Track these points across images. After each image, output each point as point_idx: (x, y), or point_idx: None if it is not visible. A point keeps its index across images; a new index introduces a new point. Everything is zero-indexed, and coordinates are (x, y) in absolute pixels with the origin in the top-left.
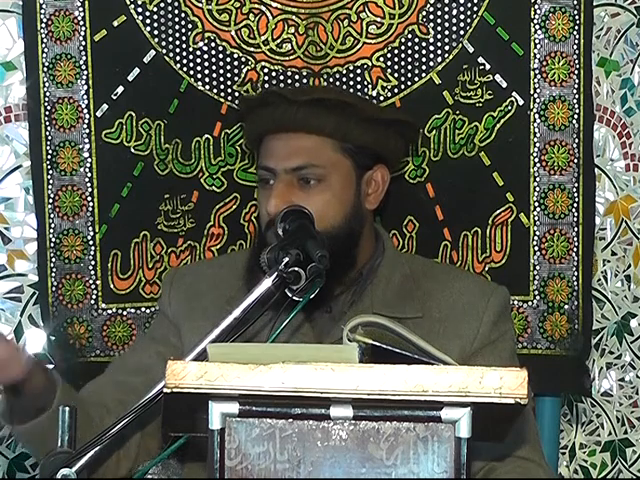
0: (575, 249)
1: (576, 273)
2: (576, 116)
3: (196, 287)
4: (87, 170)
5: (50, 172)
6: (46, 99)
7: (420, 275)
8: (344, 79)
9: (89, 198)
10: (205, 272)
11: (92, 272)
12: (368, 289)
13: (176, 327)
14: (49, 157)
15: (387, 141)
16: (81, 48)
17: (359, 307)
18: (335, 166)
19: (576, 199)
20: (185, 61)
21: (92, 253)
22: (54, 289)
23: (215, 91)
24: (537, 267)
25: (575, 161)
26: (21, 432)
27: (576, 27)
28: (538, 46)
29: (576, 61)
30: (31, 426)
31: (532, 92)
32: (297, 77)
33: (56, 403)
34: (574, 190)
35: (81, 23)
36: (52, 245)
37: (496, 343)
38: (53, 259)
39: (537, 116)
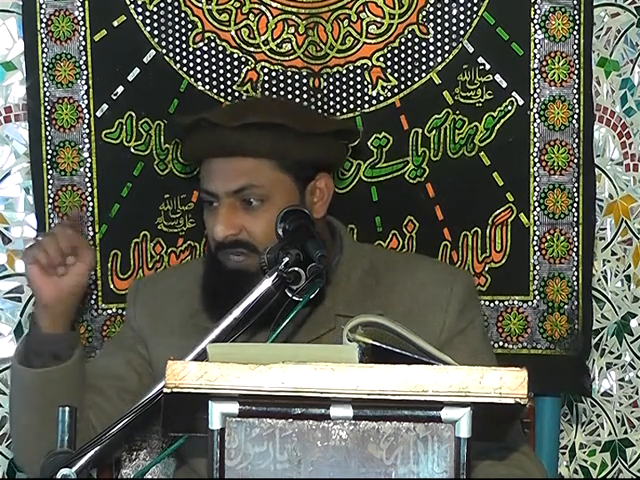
0: (575, 249)
1: (576, 273)
2: (576, 116)
3: (159, 301)
4: (87, 170)
5: (50, 172)
6: (46, 99)
7: (381, 268)
8: (344, 79)
9: (89, 198)
10: (168, 283)
11: (92, 272)
12: (328, 290)
13: (142, 340)
14: (49, 157)
15: (326, 150)
16: (81, 48)
17: (321, 309)
18: (276, 184)
19: (576, 199)
20: (185, 61)
21: None
22: None
23: (215, 91)
24: (537, 267)
25: (575, 161)
26: (33, 377)
27: (576, 27)
28: (538, 46)
29: (576, 61)
30: (49, 372)
31: (532, 92)
32: (297, 77)
33: (76, 356)
34: (574, 190)
35: (81, 23)
36: None
37: (466, 331)
38: None
39: (537, 116)
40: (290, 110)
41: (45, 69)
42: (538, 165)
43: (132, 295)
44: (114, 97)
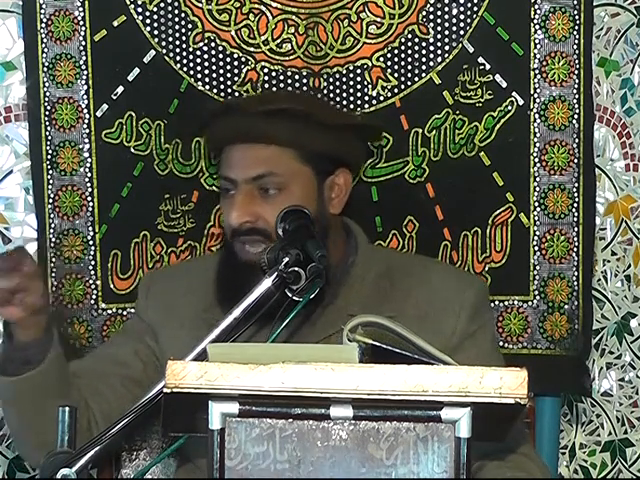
0: (575, 249)
1: (576, 273)
2: (576, 116)
3: (172, 294)
4: (87, 170)
5: (50, 172)
6: (46, 99)
7: (397, 271)
8: (344, 79)
9: (89, 198)
10: (180, 277)
11: (92, 272)
12: (342, 290)
13: (153, 332)
14: (49, 157)
15: (348, 145)
16: (81, 48)
17: (333, 309)
18: (295, 174)
19: (576, 199)
20: (185, 61)
21: (92, 253)
22: (54, 289)
23: (215, 91)
24: (537, 267)
25: (575, 161)
26: (8, 385)
27: (576, 27)
28: (538, 46)
29: (576, 61)
30: (21, 380)
31: (532, 92)
32: (297, 77)
33: (47, 360)
34: (574, 190)
35: (81, 23)
36: (52, 245)
37: (476, 335)
38: (53, 259)
39: (537, 116)
40: (314, 102)
41: (45, 69)
42: (538, 165)
43: (144, 287)
44: (114, 97)
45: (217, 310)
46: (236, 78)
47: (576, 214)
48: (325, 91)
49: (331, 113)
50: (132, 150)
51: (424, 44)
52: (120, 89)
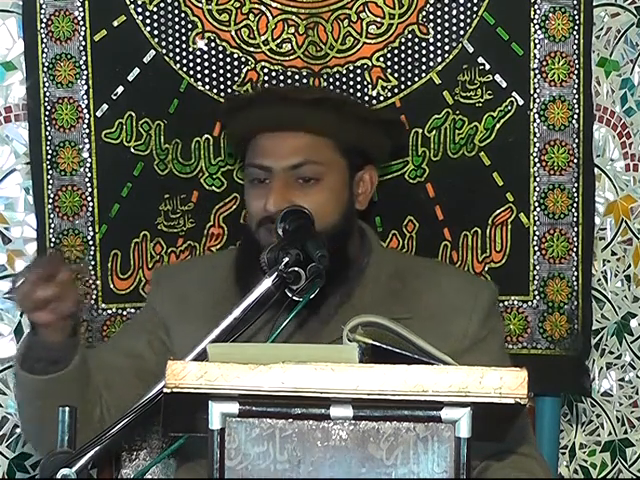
0: (575, 249)
1: (576, 273)
2: (576, 116)
3: (184, 289)
4: (87, 170)
5: (50, 172)
6: (46, 99)
7: (406, 273)
8: (344, 79)
9: (89, 198)
10: (193, 272)
11: (92, 272)
12: (356, 290)
13: (165, 326)
14: (49, 157)
15: (378, 142)
16: (81, 48)
17: (347, 309)
18: (332, 165)
19: (576, 199)
20: (185, 61)
21: (92, 253)
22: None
23: (215, 91)
24: (537, 267)
25: (575, 161)
26: (33, 382)
27: (576, 27)
28: (538, 46)
29: (576, 61)
30: (48, 380)
31: (532, 92)
32: (297, 77)
33: (75, 362)
34: (574, 190)
35: (81, 23)
36: (52, 245)
37: (486, 339)
38: None
39: (537, 116)
40: (348, 97)
41: (45, 69)
42: (538, 165)
43: (156, 280)
44: (114, 97)
45: (228, 305)
46: (236, 78)
47: (576, 214)
48: None
49: (366, 108)
50: (132, 150)
51: (424, 44)
52: (120, 89)
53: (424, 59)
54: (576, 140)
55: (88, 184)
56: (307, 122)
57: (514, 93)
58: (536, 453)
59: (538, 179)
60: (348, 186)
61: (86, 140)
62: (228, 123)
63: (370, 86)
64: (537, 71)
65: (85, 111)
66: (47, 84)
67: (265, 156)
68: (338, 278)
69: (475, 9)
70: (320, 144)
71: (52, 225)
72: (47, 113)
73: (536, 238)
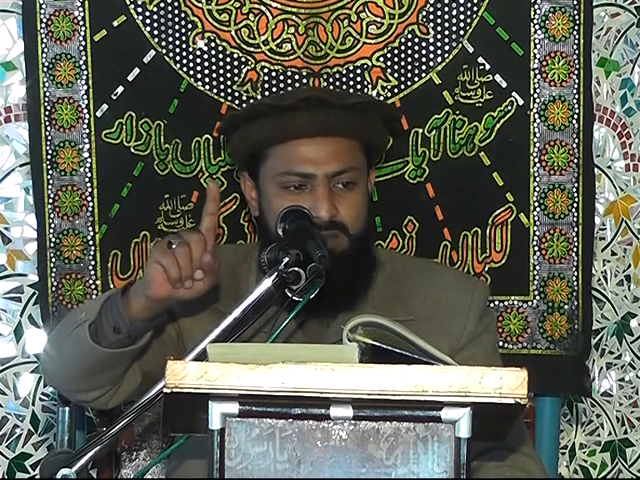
0: (575, 249)
1: (576, 273)
2: (576, 116)
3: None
4: (87, 170)
5: (50, 172)
6: (46, 99)
7: (401, 273)
8: (344, 79)
9: (89, 198)
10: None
11: (92, 272)
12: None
13: (174, 316)
14: (49, 157)
15: (387, 140)
16: (81, 48)
17: (349, 311)
18: (363, 168)
19: (576, 199)
20: (185, 61)
21: (92, 253)
22: (54, 289)
23: (215, 91)
24: (537, 267)
25: (575, 161)
26: (101, 354)
27: (576, 27)
28: (538, 46)
29: (576, 61)
30: (117, 353)
31: (532, 92)
32: (297, 77)
33: (146, 338)
34: (574, 190)
35: (81, 23)
36: (52, 245)
37: (481, 336)
38: (53, 259)
39: (537, 116)
40: (372, 96)
41: (45, 69)
42: (538, 165)
43: None
44: (114, 97)
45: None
46: (236, 78)
47: (576, 214)
48: None
49: (390, 107)
50: (132, 150)
51: (424, 44)
52: (120, 89)
53: (424, 59)
54: (576, 140)
55: (88, 184)
56: (349, 128)
57: (514, 93)
58: (532, 451)
59: (538, 179)
60: (367, 187)
61: (86, 140)
62: (246, 131)
63: (370, 86)
64: (537, 71)
65: (85, 111)
66: (47, 84)
67: (304, 163)
68: (366, 280)
69: (475, 9)
70: (354, 147)
71: (52, 225)
72: (47, 113)
73: (536, 238)
